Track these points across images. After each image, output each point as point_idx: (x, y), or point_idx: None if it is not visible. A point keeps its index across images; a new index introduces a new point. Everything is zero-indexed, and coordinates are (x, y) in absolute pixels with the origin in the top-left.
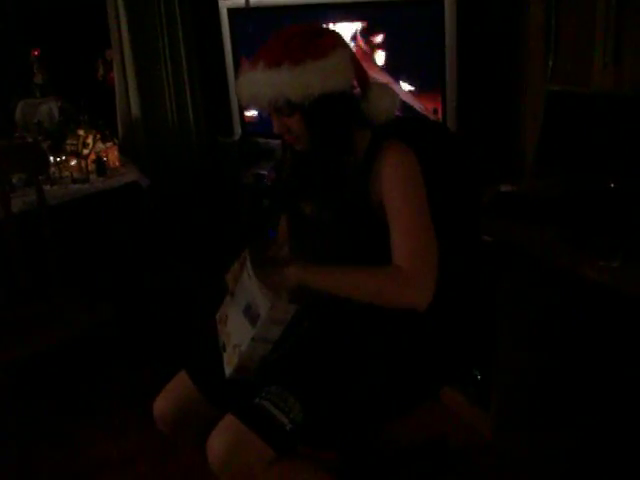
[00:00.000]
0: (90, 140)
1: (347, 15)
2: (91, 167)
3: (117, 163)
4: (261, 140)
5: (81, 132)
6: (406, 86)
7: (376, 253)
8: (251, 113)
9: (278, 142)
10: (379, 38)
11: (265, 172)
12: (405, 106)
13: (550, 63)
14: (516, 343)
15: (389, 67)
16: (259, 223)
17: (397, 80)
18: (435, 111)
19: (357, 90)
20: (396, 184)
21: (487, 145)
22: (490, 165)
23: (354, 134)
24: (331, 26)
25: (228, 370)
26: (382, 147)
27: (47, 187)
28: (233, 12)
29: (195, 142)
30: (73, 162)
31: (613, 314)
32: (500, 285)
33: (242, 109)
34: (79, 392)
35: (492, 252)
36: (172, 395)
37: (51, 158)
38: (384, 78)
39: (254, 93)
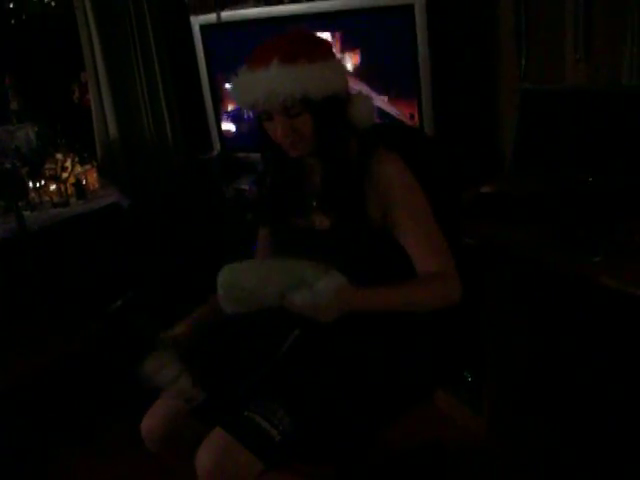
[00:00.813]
0: (69, 164)
1: (319, 25)
2: (71, 191)
3: (96, 185)
4: (241, 155)
5: (59, 156)
6: (381, 93)
7: (374, 260)
8: (229, 128)
9: (258, 156)
10: (352, 47)
11: (246, 187)
12: (381, 112)
13: (523, 62)
14: (504, 342)
15: (363, 75)
16: (242, 237)
17: (372, 87)
18: (412, 116)
19: None
20: (402, 193)
21: (465, 147)
22: (469, 167)
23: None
24: None
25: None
26: (373, 157)
27: (27, 213)
28: (205, 28)
29: (174, 159)
30: (52, 187)
31: (599, 309)
32: (485, 286)
33: (220, 124)
34: (71, 414)
35: (475, 254)
36: (159, 413)
37: (30, 183)
38: (358, 86)
39: (270, 89)
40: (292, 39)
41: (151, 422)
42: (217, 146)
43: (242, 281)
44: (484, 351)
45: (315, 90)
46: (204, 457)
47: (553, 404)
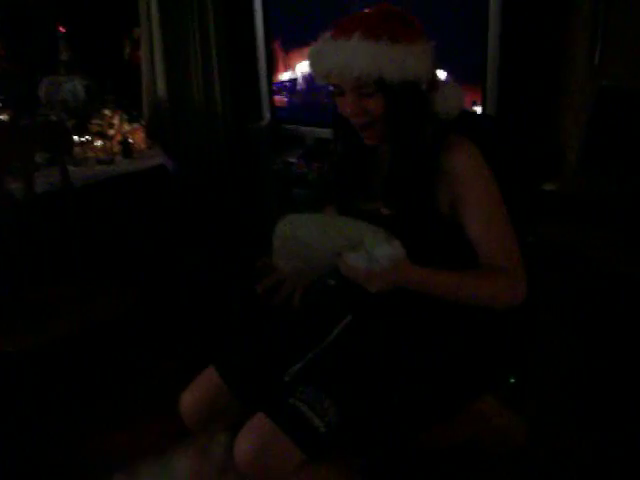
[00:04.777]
0: (116, 120)
1: (385, 0)
2: (117, 148)
3: (143, 145)
4: (290, 126)
5: (107, 112)
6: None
7: (438, 249)
8: (281, 98)
9: (308, 129)
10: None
11: (294, 160)
12: None
13: (597, 57)
14: (554, 345)
15: None
16: (289, 211)
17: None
18: (474, 103)
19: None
20: (470, 182)
21: (527, 141)
22: (531, 162)
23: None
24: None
25: None
26: (444, 145)
27: (71, 168)
28: None
29: (223, 126)
30: (98, 143)
31: None
32: (543, 287)
33: (272, 93)
34: (100, 382)
35: (534, 253)
36: (200, 390)
37: (75, 138)
38: None
39: (345, 62)
40: (380, 15)
41: (191, 399)
42: (267, 115)
43: (301, 234)
44: (531, 353)
45: (392, 73)
46: (244, 444)
47: (600, 411)
